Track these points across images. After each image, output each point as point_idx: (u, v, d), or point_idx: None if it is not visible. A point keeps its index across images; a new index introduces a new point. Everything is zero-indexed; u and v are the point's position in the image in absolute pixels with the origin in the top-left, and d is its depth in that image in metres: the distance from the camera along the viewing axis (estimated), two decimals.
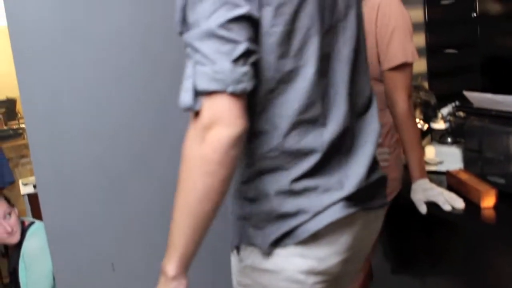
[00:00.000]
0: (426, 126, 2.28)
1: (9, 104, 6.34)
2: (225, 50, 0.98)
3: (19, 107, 6.27)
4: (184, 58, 1.06)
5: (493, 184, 1.86)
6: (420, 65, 3.75)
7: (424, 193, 1.80)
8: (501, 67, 3.58)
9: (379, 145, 1.80)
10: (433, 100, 2.32)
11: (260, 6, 1.04)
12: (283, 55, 1.08)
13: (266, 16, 1.05)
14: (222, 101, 0.99)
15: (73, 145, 2.13)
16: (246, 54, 1.00)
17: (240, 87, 0.99)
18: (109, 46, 2.14)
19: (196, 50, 1.00)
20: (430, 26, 3.83)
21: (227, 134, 0.99)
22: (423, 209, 1.79)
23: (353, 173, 1.19)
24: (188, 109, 1.02)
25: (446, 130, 2.21)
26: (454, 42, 3.70)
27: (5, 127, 6.01)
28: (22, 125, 5.86)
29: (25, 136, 5.60)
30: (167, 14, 2.19)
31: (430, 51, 3.83)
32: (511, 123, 1.86)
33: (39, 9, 2.07)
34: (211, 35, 0.98)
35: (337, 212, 1.16)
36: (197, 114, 1.01)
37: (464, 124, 2.03)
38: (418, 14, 3.76)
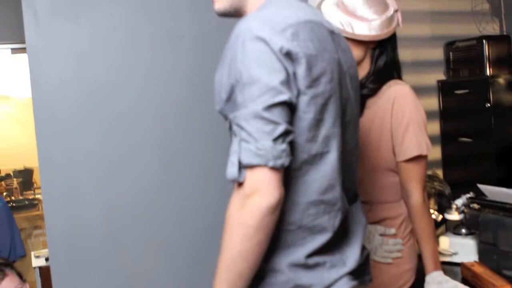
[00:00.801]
0: (440, 217, 2.28)
1: (26, 174, 6.43)
2: (267, 130, 1.12)
3: (35, 177, 6.36)
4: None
5: (509, 279, 1.84)
6: (435, 153, 3.77)
7: (438, 286, 1.78)
8: None
9: (393, 235, 1.80)
10: (447, 190, 2.33)
11: (298, 94, 1.17)
12: (311, 139, 1.21)
13: (301, 103, 1.18)
14: (262, 174, 1.12)
15: (89, 220, 2.15)
16: (284, 134, 1.13)
17: (279, 162, 1.12)
18: (127, 121, 2.20)
19: (242, 128, 1.13)
20: (444, 115, 3.88)
21: (265, 202, 1.11)
22: None
23: (351, 253, 1.32)
24: (234, 180, 1.14)
25: (460, 221, 2.21)
26: (469, 131, 3.73)
27: (20, 197, 6.06)
28: (38, 196, 5.91)
29: (40, 207, 5.64)
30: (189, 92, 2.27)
31: (445, 139, 3.86)
32: None
33: (64, 81, 2.15)
34: (257, 116, 1.12)
35: (344, 285, 1.26)
36: (240, 184, 1.14)
37: (478, 216, 2.03)
38: (433, 102, 3.82)
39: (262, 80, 1.13)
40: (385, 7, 1.87)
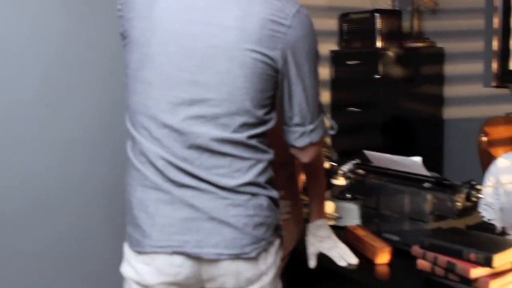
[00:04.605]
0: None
1: None
2: None
3: None
4: None
5: (389, 241, 1.92)
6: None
7: (320, 244, 1.83)
8: (401, 127, 3.77)
9: (280, 198, 1.79)
10: (334, 156, 2.38)
11: None
12: None
13: None
14: None
15: None
16: None
17: None
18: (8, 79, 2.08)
19: None
20: (335, 85, 3.98)
21: None
22: (311, 263, 1.83)
23: None
24: None
25: (346, 186, 2.27)
26: (358, 101, 3.85)
27: None
28: None
29: None
30: None
31: (334, 109, 3.97)
32: (406, 182, 1.94)
33: None
34: None
35: None
36: None
37: (363, 181, 2.09)
38: (325, 72, 3.89)
39: None
40: None
